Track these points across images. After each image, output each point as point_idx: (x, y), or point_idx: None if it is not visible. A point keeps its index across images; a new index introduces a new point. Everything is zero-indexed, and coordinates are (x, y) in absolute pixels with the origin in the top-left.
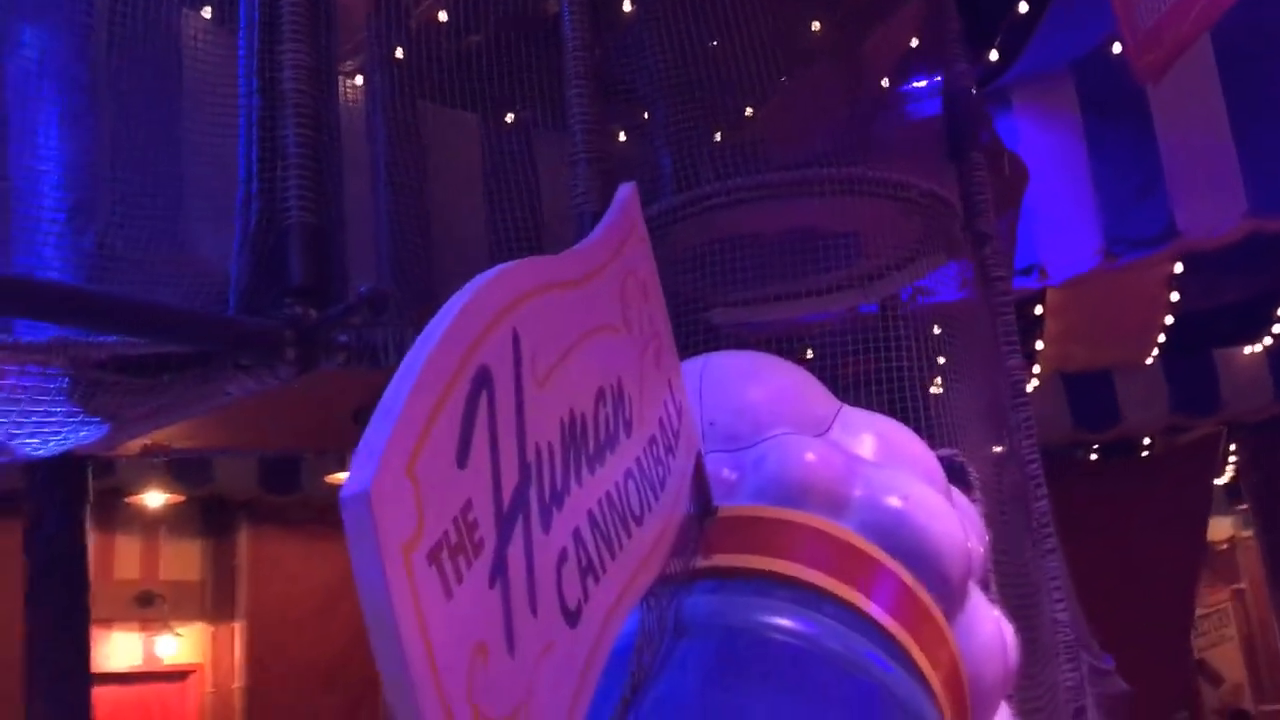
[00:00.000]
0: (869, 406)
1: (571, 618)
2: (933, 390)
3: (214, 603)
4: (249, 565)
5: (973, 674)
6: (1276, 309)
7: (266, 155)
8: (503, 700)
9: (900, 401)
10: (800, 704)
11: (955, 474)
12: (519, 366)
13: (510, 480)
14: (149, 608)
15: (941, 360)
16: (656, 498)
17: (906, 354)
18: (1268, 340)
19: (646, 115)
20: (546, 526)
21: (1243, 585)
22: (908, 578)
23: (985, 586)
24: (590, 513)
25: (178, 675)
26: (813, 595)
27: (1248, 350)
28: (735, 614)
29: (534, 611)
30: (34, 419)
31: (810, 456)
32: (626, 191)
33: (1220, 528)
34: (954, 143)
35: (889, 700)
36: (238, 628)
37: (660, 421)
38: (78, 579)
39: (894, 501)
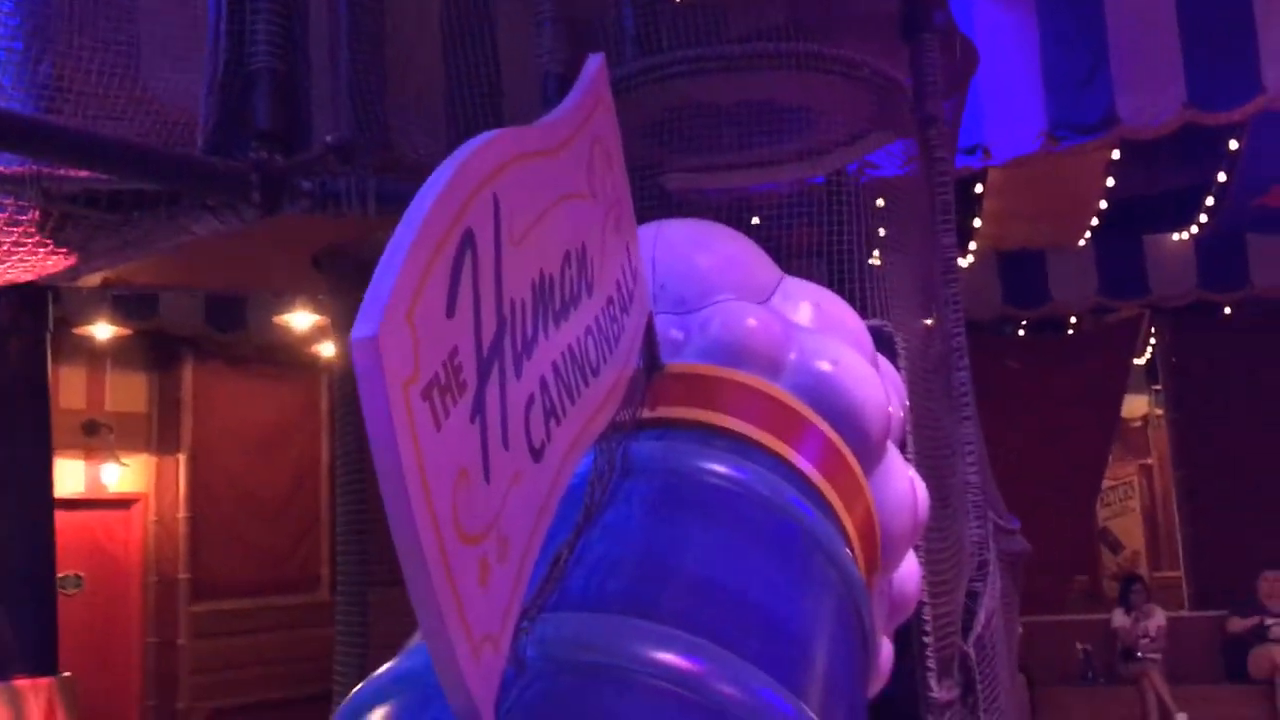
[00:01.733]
0: (812, 275)
1: (536, 454)
2: (872, 262)
3: (159, 435)
4: (193, 399)
5: (884, 523)
6: (1205, 199)
7: (235, 1)
8: (479, 518)
9: (841, 271)
10: (731, 537)
11: (883, 342)
12: (498, 229)
13: (489, 330)
14: (94, 437)
15: (882, 234)
16: (611, 352)
17: (849, 226)
18: (1194, 229)
19: None
20: (518, 373)
21: (1150, 461)
22: (832, 434)
23: (902, 446)
24: (554, 363)
25: (122, 504)
26: (747, 446)
27: (1175, 237)
28: (677, 458)
29: (506, 446)
30: (4, 248)
31: (751, 322)
32: (595, 63)
33: (1136, 405)
34: (908, 24)
35: (809, 540)
36: (182, 459)
37: (617, 283)
38: (40, 404)
39: (824, 366)
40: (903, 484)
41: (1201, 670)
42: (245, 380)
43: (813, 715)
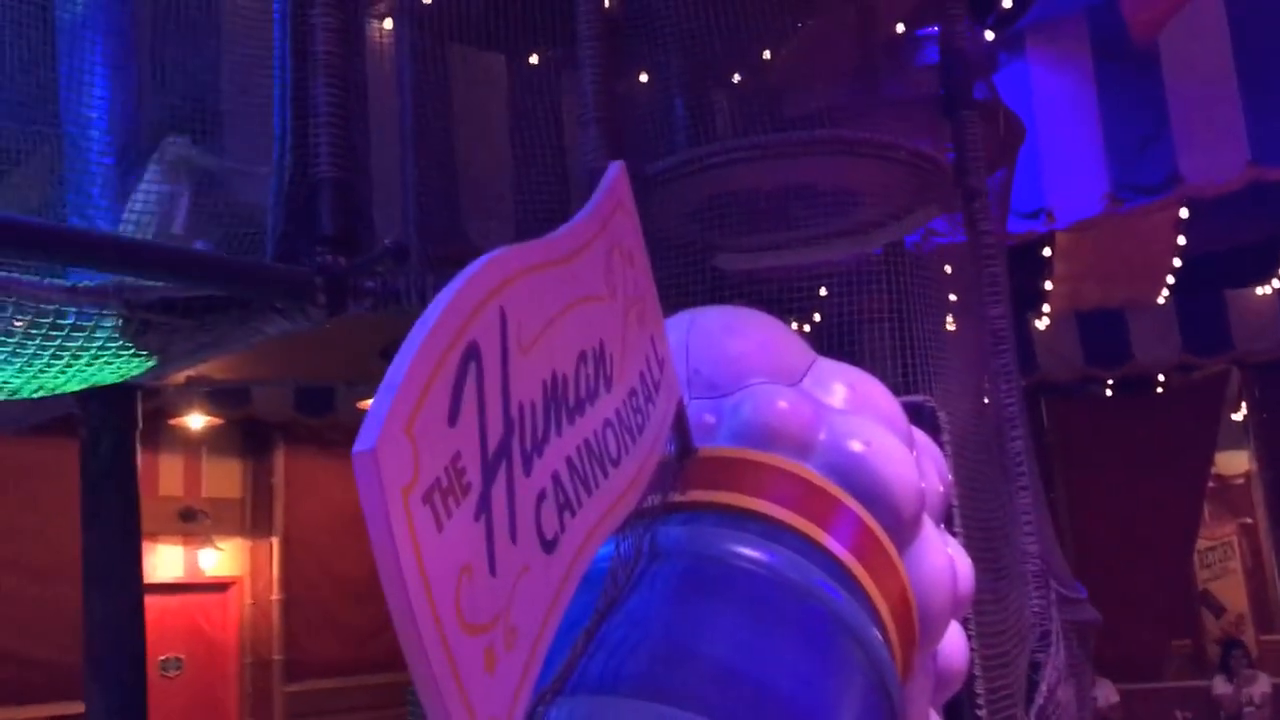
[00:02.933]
0: (869, 346)
1: (548, 546)
2: (921, 332)
3: (253, 519)
4: (285, 484)
5: (920, 600)
6: (1274, 253)
7: (299, 114)
8: (484, 610)
9: (892, 342)
10: (754, 622)
11: (924, 418)
12: (505, 340)
13: (495, 434)
14: (191, 523)
15: (932, 306)
16: (634, 442)
17: (899, 300)
18: (1276, 283)
19: (661, 62)
20: (528, 471)
21: (1250, 520)
22: (863, 514)
23: (945, 521)
24: (569, 458)
25: (219, 587)
26: (776, 529)
27: (1258, 291)
28: (705, 542)
29: (514, 540)
30: (90, 354)
31: (782, 404)
32: (615, 170)
33: (1236, 462)
34: (949, 100)
35: (835, 622)
36: (275, 542)
37: (641, 375)
38: (129, 496)
39: (855, 446)
40: (940, 560)
41: None
42: (335, 463)
43: None
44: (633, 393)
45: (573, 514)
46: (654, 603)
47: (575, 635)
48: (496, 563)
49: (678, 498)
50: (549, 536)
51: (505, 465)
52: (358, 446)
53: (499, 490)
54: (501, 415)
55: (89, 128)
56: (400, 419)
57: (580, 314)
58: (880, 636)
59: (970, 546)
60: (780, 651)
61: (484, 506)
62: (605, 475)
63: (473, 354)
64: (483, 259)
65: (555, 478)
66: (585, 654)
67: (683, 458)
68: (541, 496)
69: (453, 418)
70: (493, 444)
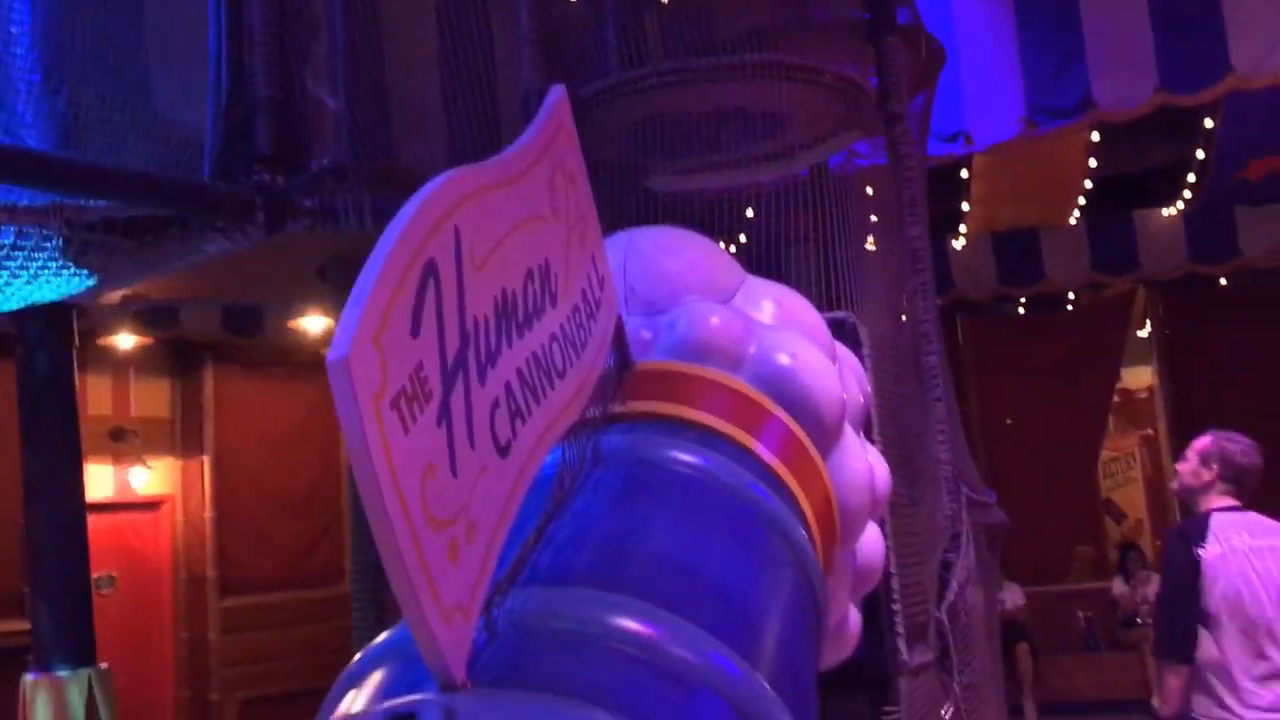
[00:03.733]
0: (795, 264)
1: (503, 450)
2: (844, 252)
3: (183, 438)
4: (215, 403)
5: (841, 501)
6: (1188, 175)
7: (234, 35)
8: (447, 506)
9: (817, 261)
10: (691, 520)
11: (846, 333)
12: (460, 257)
13: (453, 346)
14: (121, 442)
15: (855, 227)
16: (578, 355)
17: (824, 220)
18: (1181, 204)
19: None
20: (483, 380)
21: (1151, 431)
22: (790, 423)
23: (865, 429)
24: (519, 369)
25: (150, 505)
26: (710, 436)
27: (1164, 212)
28: (644, 448)
29: (472, 444)
30: (30, 272)
31: (714, 321)
32: (556, 94)
33: (1140, 377)
34: (873, 25)
35: (766, 521)
36: (206, 461)
37: (583, 292)
38: (69, 413)
39: (783, 359)
40: (860, 465)
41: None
42: (265, 383)
43: (759, 676)
44: (576, 309)
45: (524, 421)
46: (598, 504)
47: (526, 534)
48: (457, 464)
49: (618, 408)
50: (503, 441)
51: (462, 375)
52: (331, 356)
53: (458, 398)
54: (458, 328)
55: (13, 44)
56: (369, 330)
57: (527, 234)
58: (805, 535)
59: (888, 453)
60: (716, 547)
61: (445, 412)
62: (552, 386)
63: (431, 270)
64: (438, 180)
65: (507, 387)
66: (535, 550)
67: (622, 371)
68: (495, 404)
69: (415, 330)
70: (451, 355)
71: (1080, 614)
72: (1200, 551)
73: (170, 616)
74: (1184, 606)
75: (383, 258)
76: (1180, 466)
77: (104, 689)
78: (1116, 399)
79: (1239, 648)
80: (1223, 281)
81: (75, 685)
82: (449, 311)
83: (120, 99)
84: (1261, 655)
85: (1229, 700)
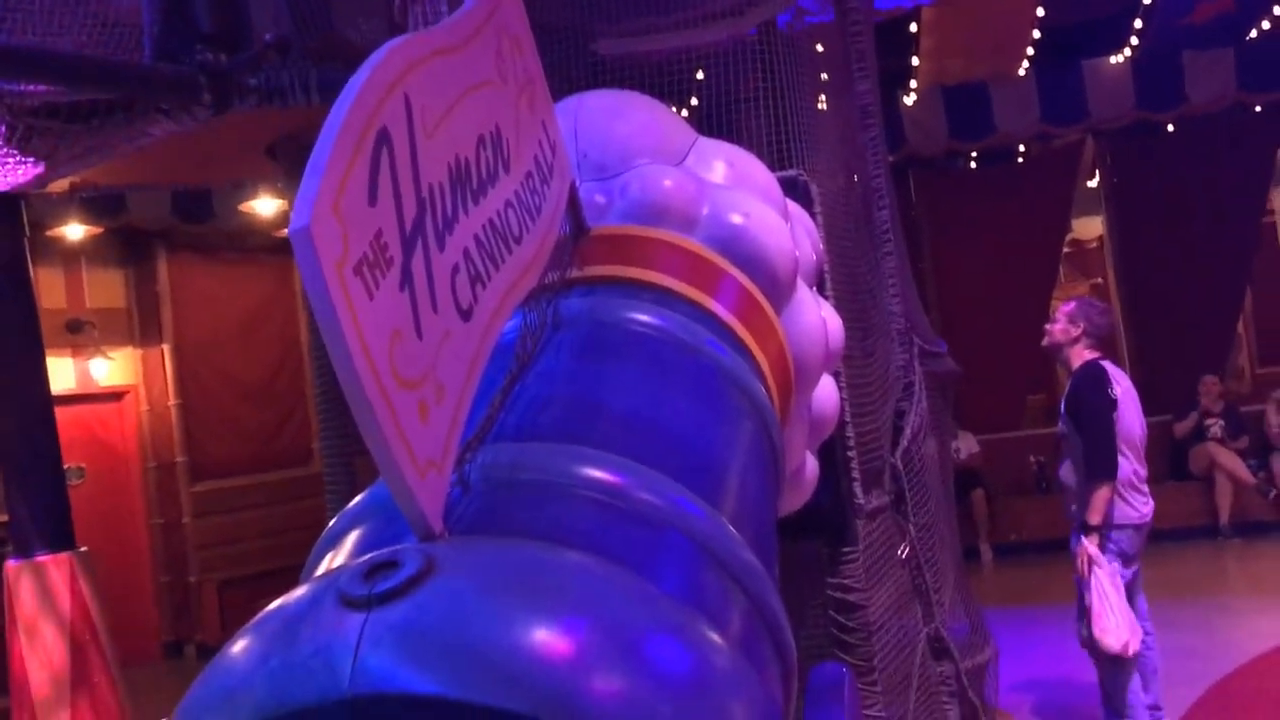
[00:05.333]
0: (746, 124)
1: (465, 314)
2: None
3: (141, 327)
4: (171, 291)
5: (796, 354)
6: (1134, 21)
7: None
8: (415, 368)
9: (767, 120)
10: (652, 376)
11: (798, 190)
12: (411, 124)
13: (410, 213)
14: (79, 334)
15: (804, 85)
16: (534, 221)
17: (774, 78)
18: (1129, 51)
19: None
20: (441, 246)
21: (1100, 280)
22: (744, 280)
23: (818, 284)
24: (476, 235)
25: (113, 396)
26: (667, 296)
27: (1111, 60)
28: (603, 310)
29: (435, 309)
30: None
31: (667, 183)
32: None
33: (1091, 227)
34: None
35: (723, 375)
36: (166, 349)
37: (535, 158)
38: (27, 304)
39: (735, 218)
40: (813, 319)
41: (1152, 471)
42: (219, 268)
43: (721, 517)
44: (529, 175)
45: (484, 286)
46: (560, 364)
47: (492, 395)
48: (422, 327)
49: (575, 273)
50: (464, 305)
51: (421, 241)
52: (293, 225)
53: (418, 264)
54: (414, 195)
55: None
56: (328, 199)
57: (476, 99)
58: (762, 387)
59: (840, 307)
60: (676, 400)
61: (406, 278)
62: (510, 251)
63: (384, 139)
64: (386, 47)
65: (466, 253)
66: (502, 410)
67: (577, 236)
68: (455, 270)
69: (372, 198)
70: (409, 221)
71: (1032, 459)
72: (1110, 391)
73: (142, 504)
74: (1107, 434)
75: (336, 127)
76: (1051, 327)
77: (87, 570)
78: (1067, 249)
79: (1134, 463)
80: (1170, 128)
81: (57, 569)
82: (404, 178)
83: None
84: (1139, 469)
85: (1134, 503)
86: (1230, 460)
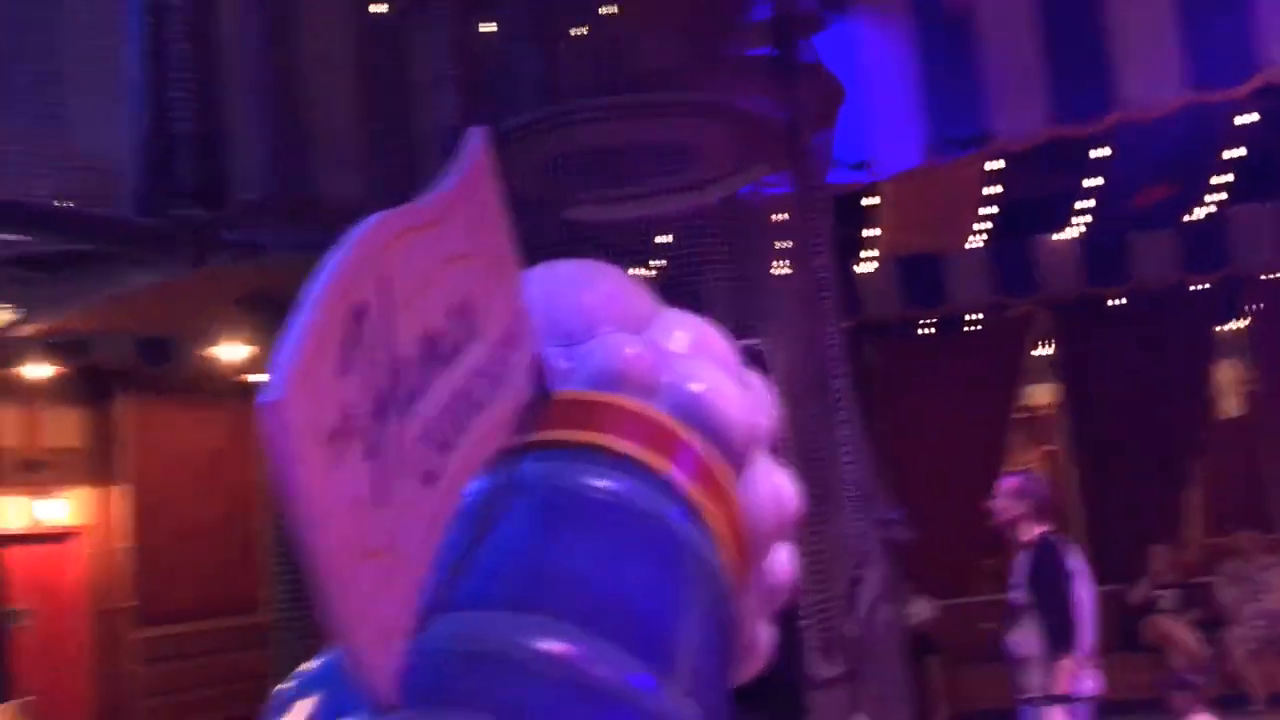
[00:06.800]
0: (709, 289)
1: (429, 481)
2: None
3: (96, 468)
4: (129, 432)
5: (752, 520)
6: (1084, 201)
7: (156, 67)
8: (376, 537)
9: (729, 286)
10: (606, 543)
11: (755, 359)
12: (387, 299)
13: (380, 385)
14: (34, 473)
15: (764, 254)
16: (499, 387)
17: (735, 247)
18: (1079, 230)
19: (509, 17)
20: (409, 416)
21: (1054, 447)
22: (702, 448)
23: (775, 451)
24: (443, 404)
25: (62, 536)
26: (625, 462)
27: (1060, 237)
28: (560, 476)
29: (399, 476)
30: None
31: (629, 351)
32: (475, 138)
33: (1043, 394)
34: (780, 61)
35: (681, 544)
36: (119, 491)
37: (503, 327)
38: None
39: (695, 387)
40: (769, 485)
41: (1102, 641)
42: (178, 411)
43: (675, 690)
44: (497, 343)
45: (448, 452)
46: (517, 532)
47: (448, 563)
48: (385, 496)
49: (536, 437)
50: (428, 470)
51: (389, 412)
52: (264, 397)
53: (385, 433)
54: (385, 368)
55: None
56: (302, 372)
57: (450, 274)
58: (718, 556)
59: (797, 473)
60: (632, 569)
61: (373, 448)
62: (475, 417)
63: (360, 314)
64: (367, 223)
65: (432, 422)
66: (458, 578)
67: (540, 401)
68: (421, 438)
69: (344, 370)
70: (378, 393)
71: (983, 625)
72: (1070, 564)
73: (87, 650)
74: (1068, 607)
75: (314, 301)
76: (995, 504)
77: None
78: (1022, 415)
79: (1089, 635)
80: (1119, 302)
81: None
82: (377, 351)
83: (34, 129)
84: (1094, 640)
85: (1090, 674)
86: (1182, 632)
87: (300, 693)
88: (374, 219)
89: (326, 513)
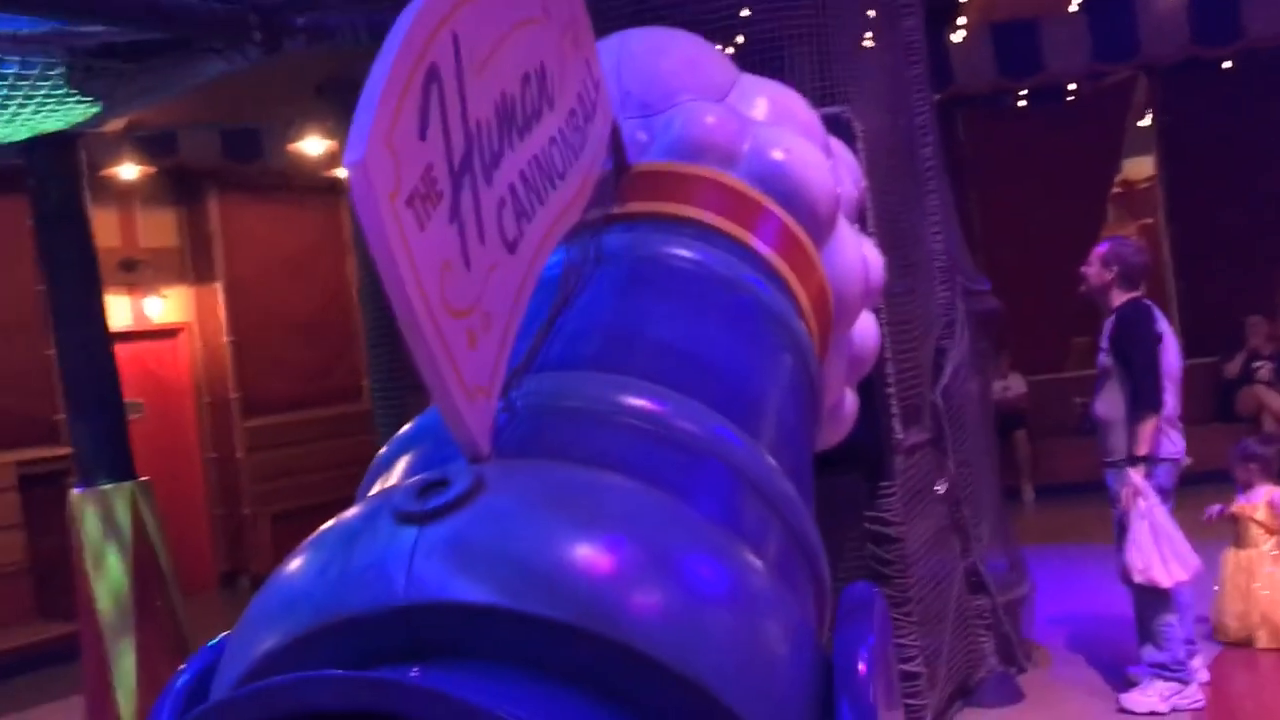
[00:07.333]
0: (792, 61)
1: (510, 247)
2: (839, 47)
3: (194, 266)
4: (222, 231)
5: (836, 290)
6: None
7: None
8: (463, 298)
9: (813, 57)
10: (691, 309)
11: (840, 127)
12: (459, 61)
13: (459, 148)
14: (133, 273)
15: (850, 21)
16: (577, 158)
17: (819, 15)
18: None
19: None
20: (488, 181)
21: (1150, 221)
22: (784, 216)
23: (859, 220)
24: (522, 171)
25: (168, 333)
26: (708, 232)
27: None
28: (644, 246)
29: (482, 241)
30: (36, 101)
31: (709, 119)
32: None
33: (1142, 168)
34: None
35: (762, 309)
36: (219, 288)
37: (579, 96)
38: (85, 241)
39: (776, 154)
40: (853, 255)
41: (1197, 412)
42: (270, 208)
43: (759, 446)
44: (572, 113)
45: (529, 220)
46: (602, 298)
47: (537, 327)
48: (470, 260)
49: (617, 209)
50: (510, 238)
51: (469, 176)
52: (348, 158)
53: (466, 197)
54: (463, 130)
55: None
56: (381, 133)
57: (522, 37)
58: (801, 322)
59: (882, 244)
60: (716, 332)
61: (455, 211)
62: (554, 186)
63: (434, 75)
64: None
65: (512, 188)
66: (547, 340)
67: (619, 173)
68: (502, 204)
69: (422, 132)
70: (458, 156)
71: (1076, 400)
72: (1155, 326)
73: (196, 439)
74: (1154, 367)
75: (387, 64)
76: (1085, 270)
77: (147, 499)
78: (1117, 189)
79: (1173, 399)
80: (1226, 65)
81: (120, 497)
82: (453, 114)
83: None
84: (1178, 405)
85: (1174, 439)
86: (1278, 402)
87: (400, 450)
88: None
89: (415, 271)
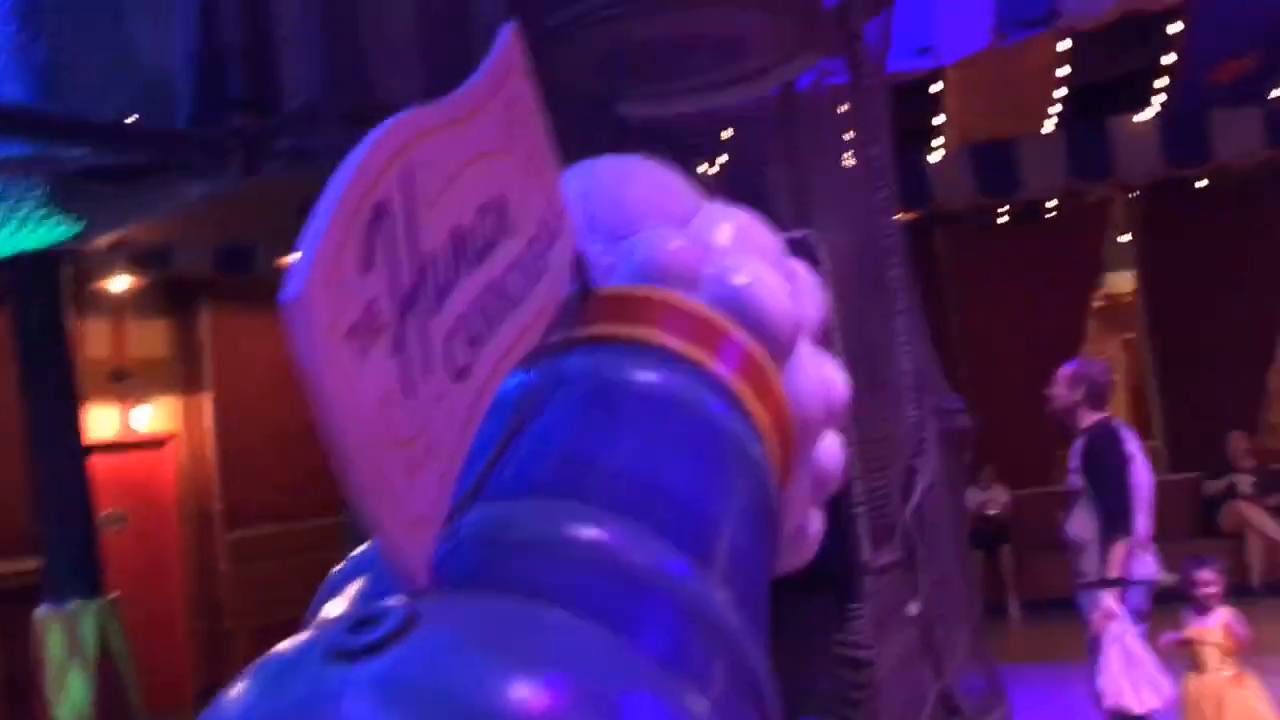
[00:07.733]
0: (765, 183)
1: (460, 375)
2: (811, 170)
3: (183, 377)
4: (212, 341)
5: (798, 411)
6: (1159, 80)
7: None
8: (404, 430)
9: (787, 180)
10: (653, 436)
11: (804, 250)
12: (412, 196)
13: (406, 281)
14: (122, 383)
15: (822, 145)
16: (536, 282)
17: (792, 139)
18: (1156, 109)
19: None
20: (438, 311)
21: (1132, 335)
22: (745, 339)
23: (824, 341)
24: (476, 299)
25: (155, 444)
26: (670, 355)
27: (1138, 118)
28: (604, 369)
29: (428, 371)
30: (17, 221)
31: (672, 245)
32: (505, 35)
33: (1124, 282)
34: None
35: (722, 434)
36: (206, 398)
37: (540, 222)
38: (64, 358)
39: (738, 279)
40: (815, 375)
41: (1179, 528)
42: (260, 320)
43: (710, 577)
44: (534, 240)
45: (482, 346)
46: (558, 422)
47: (490, 452)
48: (414, 390)
49: (579, 332)
50: (461, 365)
51: (416, 307)
52: (285, 296)
53: (412, 328)
54: (410, 263)
55: None
56: (322, 270)
57: (480, 169)
58: (760, 446)
59: (848, 364)
60: (674, 459)
61: (400, 343)
62: (510, 312)
63: (383, 211)
64: (388, 122)
65: (464, 316)
66: (497, 467)
67: (584, 297)
68: (452, 332)
69: (367, 267)
70: (404, 288)
71: (1060, 514)
72: (1126, 448)
73: (179, 550)
74: (1124, 490)
75: (334, 199)
76: (1053, 391)
77: (114, 617)
78: (1100, 304)
79: (1145, 521)
80: (1200, 184)
81: (86, 615)
82: (401, 248)
83: (97, 44)
84: (1151, 526)
85: (1145, 560)
86: (1261, 518)
87: (347, 578)
88: (396, 117)
89: (351, 406)
